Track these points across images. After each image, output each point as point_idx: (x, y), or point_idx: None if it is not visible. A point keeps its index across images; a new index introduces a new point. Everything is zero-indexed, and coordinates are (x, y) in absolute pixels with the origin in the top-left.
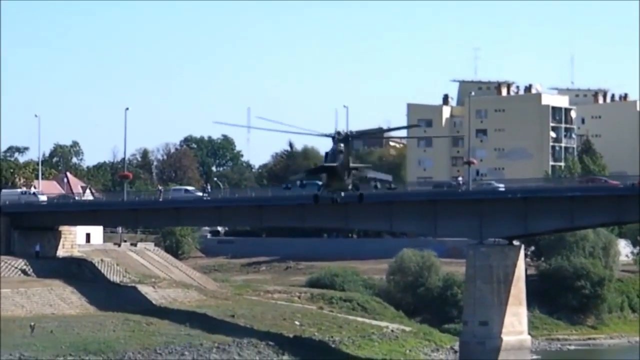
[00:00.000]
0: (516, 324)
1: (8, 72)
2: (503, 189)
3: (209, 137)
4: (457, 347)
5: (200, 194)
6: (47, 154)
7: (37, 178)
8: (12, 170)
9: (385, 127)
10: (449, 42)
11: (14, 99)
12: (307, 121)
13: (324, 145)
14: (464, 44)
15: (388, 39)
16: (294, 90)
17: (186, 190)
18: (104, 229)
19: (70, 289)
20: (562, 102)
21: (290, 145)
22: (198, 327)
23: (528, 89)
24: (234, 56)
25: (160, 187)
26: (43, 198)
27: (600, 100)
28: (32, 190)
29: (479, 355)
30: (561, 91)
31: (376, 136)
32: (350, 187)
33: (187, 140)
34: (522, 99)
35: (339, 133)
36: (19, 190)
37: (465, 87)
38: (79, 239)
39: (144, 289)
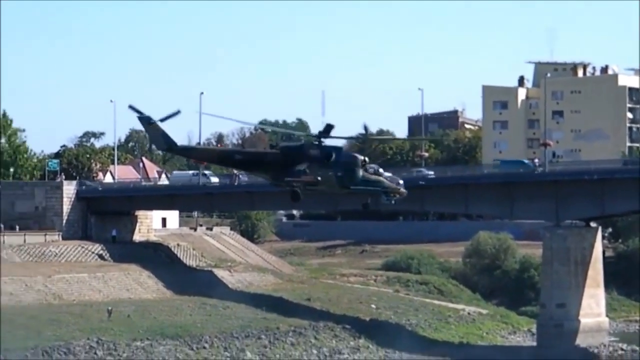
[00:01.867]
0: (594, 306)
1: (85, 58)
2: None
3: (284, 121)
4: (534, 330)
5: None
6: (122, 139)
7: (113, 163)
8: (88, 156)
9: (460, 109)
10: (524, 23)
11: (90, 84)
12: (381, 104)
13: (398, 128)
14: (540, 25)
15: (464, 20)
16: (369, 73)
17: (418, 171)
18: (179, 214)
19: (147, 273)
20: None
21: (365, 128)
22: (274, 310)
23: (604, 69)
24: (308, 39)
25: (235, 171)
26: (215, 179)
27: None
28: (205, 171)
29: (557, 337)
30: (638, 72)
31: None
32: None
33: (262, 124)
34: (598, 80)
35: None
36: (190, 172)
37: (541, 68)
38: (155, 224)
39: (220, 273)
